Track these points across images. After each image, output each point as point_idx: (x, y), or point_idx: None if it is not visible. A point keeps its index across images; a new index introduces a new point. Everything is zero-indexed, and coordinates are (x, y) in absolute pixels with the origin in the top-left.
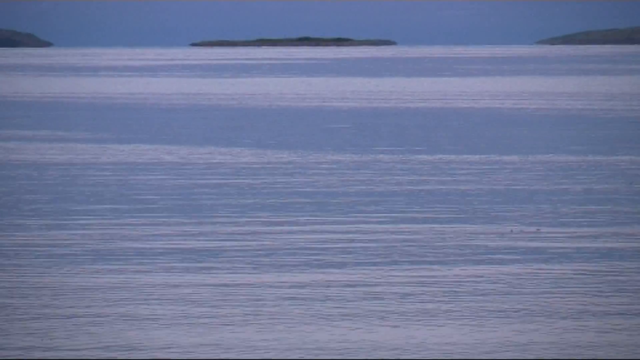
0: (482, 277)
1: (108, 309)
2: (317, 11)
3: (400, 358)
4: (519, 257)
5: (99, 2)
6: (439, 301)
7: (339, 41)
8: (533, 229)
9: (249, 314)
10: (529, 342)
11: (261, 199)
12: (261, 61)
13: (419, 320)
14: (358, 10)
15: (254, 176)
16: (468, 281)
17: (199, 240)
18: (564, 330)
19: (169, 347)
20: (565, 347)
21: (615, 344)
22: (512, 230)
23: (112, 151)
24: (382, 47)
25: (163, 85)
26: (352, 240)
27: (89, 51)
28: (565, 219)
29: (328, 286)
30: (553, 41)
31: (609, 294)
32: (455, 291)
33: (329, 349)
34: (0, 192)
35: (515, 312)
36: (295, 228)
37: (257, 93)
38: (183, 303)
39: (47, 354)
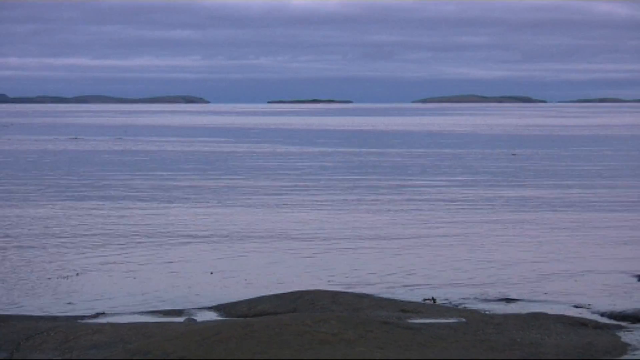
0: None
1: None
2: (315, 84)
3: None
4: None
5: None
6: None
7: (328, 101)
8: None
9: None
10: None
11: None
12: (312, 109)
13: None
14: (331, 83)
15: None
16: None
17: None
18: None
19: None
20: None
21: None
22: None
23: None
24: (344, 104)
25: (292, 120)
26: None
27: (220, 105)
28: None
29: None
30: (424, 100)
31: None
32: None
33: None
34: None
35: None
36: None
37: (343, 124)
38: None
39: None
